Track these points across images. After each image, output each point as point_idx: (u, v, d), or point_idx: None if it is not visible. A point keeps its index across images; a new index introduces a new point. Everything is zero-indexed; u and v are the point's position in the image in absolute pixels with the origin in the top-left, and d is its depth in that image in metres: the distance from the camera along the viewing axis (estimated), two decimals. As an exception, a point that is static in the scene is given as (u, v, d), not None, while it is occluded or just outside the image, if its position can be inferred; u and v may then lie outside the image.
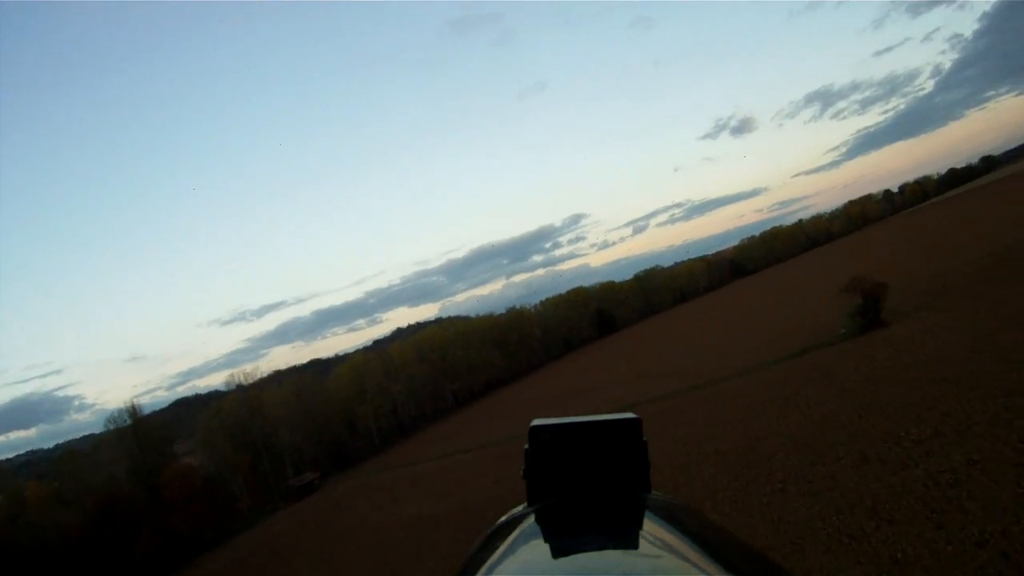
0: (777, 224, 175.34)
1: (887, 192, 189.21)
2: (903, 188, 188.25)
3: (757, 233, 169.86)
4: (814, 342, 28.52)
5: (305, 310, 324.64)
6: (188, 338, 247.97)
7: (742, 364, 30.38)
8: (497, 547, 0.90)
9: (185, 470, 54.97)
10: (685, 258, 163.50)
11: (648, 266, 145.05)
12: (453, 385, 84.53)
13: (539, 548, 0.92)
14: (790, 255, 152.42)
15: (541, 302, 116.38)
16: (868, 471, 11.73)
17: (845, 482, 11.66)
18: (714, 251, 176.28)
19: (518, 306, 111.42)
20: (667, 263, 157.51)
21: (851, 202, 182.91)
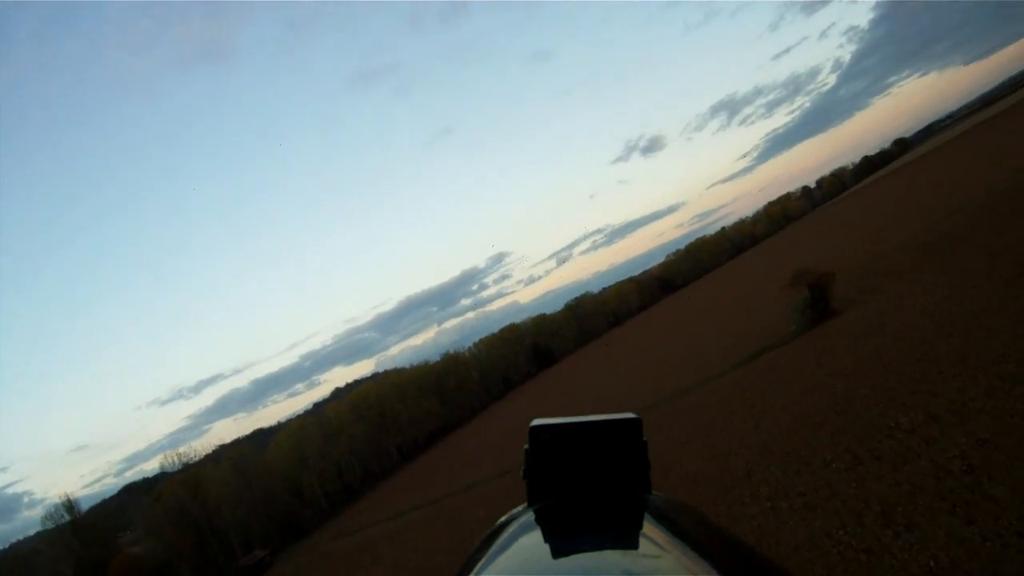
0: (699, 236, 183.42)
1: (805, 188, 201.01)
2: (820, 182, 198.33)
3: (681, 248, 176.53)
4: (765, 344, 28.02)
5: (243, 381, 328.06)
6: (129, 422, 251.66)
7: (694, 377, 29.71)
8: (497, 547, 0.93)
9: (131, 561, 54.78)
10: (613, 282, 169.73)
11: (577, 295, 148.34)
12: (396, 440, 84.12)
13: (539, 548, 0.94)
14: (718, 264, 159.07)
15: (475, 343, 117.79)
16: (865, 472, 10.57)
17: (842, 489, 10.45)
18: (641, 271, 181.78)
19: (452, 351, 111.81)
20: (596, 290, 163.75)
21: (771, 203, 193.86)
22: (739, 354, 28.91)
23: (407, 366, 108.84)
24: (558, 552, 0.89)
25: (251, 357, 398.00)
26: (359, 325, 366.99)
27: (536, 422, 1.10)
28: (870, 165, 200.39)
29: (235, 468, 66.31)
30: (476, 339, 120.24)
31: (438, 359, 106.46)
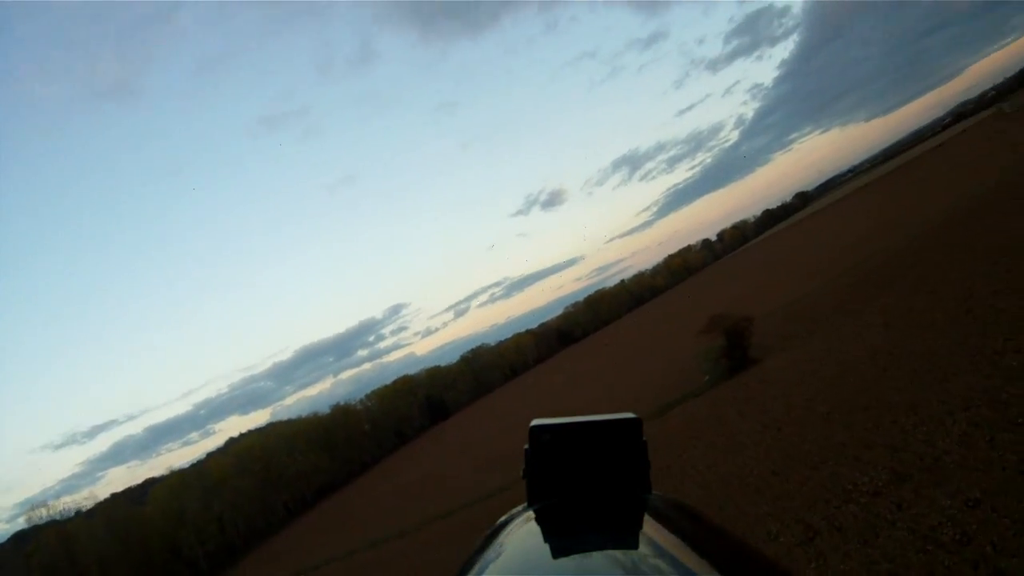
0: (598, 289, 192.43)
1: (706, 241, 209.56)
2: (721, 235, 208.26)
3: (580, 300, 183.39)
4: (675, 396, 27.02)
5: (137, 427, 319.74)
6: (22, 466, 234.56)
7: None
8: (497, 547, 0.96)
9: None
10: (511, 335, 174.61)
11: (474, 348, 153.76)
12: (282, 495, 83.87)
13: (539, 548, 0.97)
14: (617, 316, 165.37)
15: (367, 395, 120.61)
16: (825, 547, 8.86)
17: (799, 571, 8.62)
18: (539, 324, 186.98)
19: (343, 403, 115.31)
20: (493, 342, 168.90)
21: (671, 255, 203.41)
22: (647, 407, 27.64)
23: (302, 416, 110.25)
24: (558, 552, 0.91)
25: (146, 403, 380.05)
26: (255, 374, 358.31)
27: (536, 422, 1.15)
28: (772, 218, 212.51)
29: (108, 524, 64.73)
30: (372, 391, 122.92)
31: (328, 411, 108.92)
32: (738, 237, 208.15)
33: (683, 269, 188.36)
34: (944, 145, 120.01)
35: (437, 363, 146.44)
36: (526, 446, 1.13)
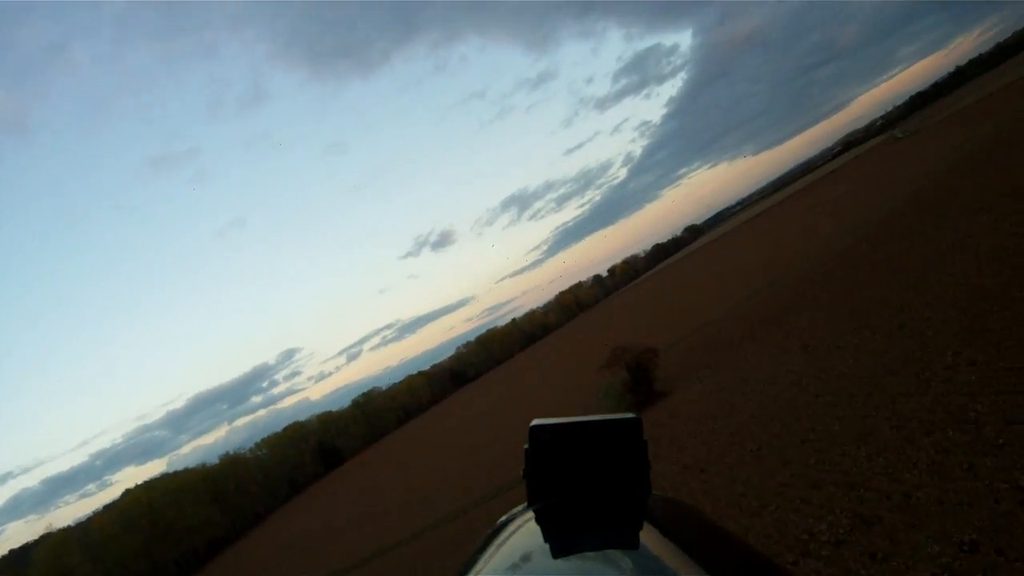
0: (490, 329, 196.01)
1: (597, 277, 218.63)
2: (612, 270, 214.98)
3: (472, 341, 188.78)
4: None
5: (32, 480, 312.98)
6: None
7: (495, 482, 26.87)
8: (497, 547, 1.00)
9: None
10: (404, 377, 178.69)
11: (366, 392, 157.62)
12: (172, 552, 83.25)
13: (538, 548, 0.98)
14: (510, 354, 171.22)
15: (257, 444, 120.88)
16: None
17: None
18: (433, 364, 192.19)
19: (232, 452, 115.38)
20: (386, 385, 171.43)
21: (562, 292, 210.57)
22: None
23: (196, 467, 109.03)
24: (558, 552, 0.94)
25: (41, 454, 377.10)
26: (149, 423, 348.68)
27: (536, 422, 1.16)
28: (662, 252, 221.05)
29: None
30: (262, 439, 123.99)
31: (217, 461, 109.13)
32: (629, 272, 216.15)
33: (575, 305, 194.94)
34: (837, 171, 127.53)
35: (332, 408, 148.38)
36: (526, 446, 1.13)
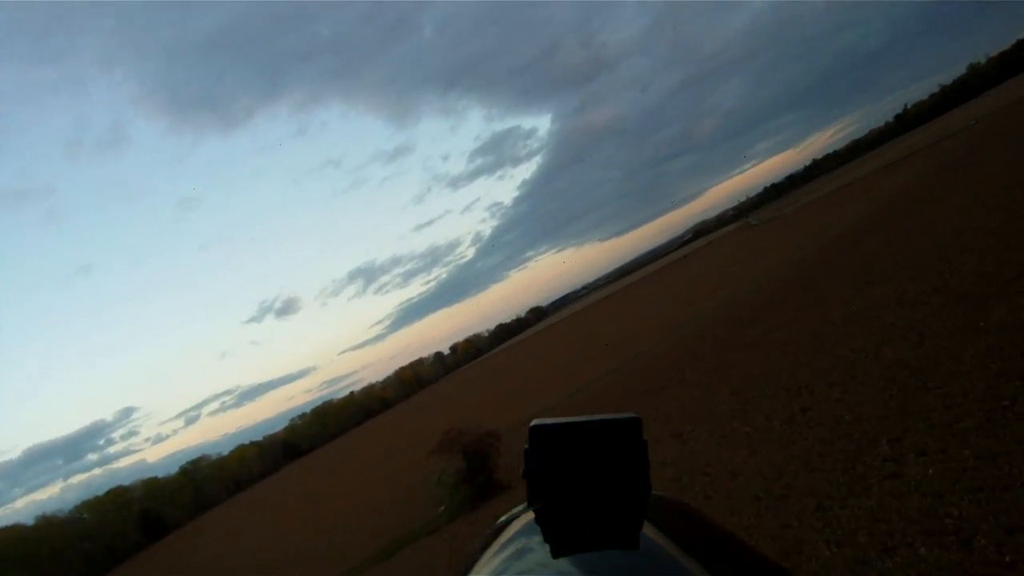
0: (328, 401, 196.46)
1: (438, 354, 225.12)
2: (455, 348, 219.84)
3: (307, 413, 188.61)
4: (402, 533, 22.91)
5: None
6: None
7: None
8: (497, 547, 0.99)
9: None
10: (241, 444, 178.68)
11: (194, 460, 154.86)
12: None
13: (539, 548, 0.96)
14: (344, 429, 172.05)
15: (76, 507, 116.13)
16: None
17: None
18: (266, 435, 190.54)
19: (48, 514, 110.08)
20: (225, 451, 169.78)
21: (402, 368, 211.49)
22: (370, 543, 23.57)
23: (34, 521, 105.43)
24: (558, 552, 0.92)
25: None
26: None
27: (536, 422, 1.10)
28: (506, 332, 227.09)
29: None
30: (83, 502, 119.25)
31: (33, 522, 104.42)
32: (471, 350, 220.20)
33: (414, 381, 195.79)
34: (691, 255, 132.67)
35: (167, 471, 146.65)
36: (526, 446, 1.08)
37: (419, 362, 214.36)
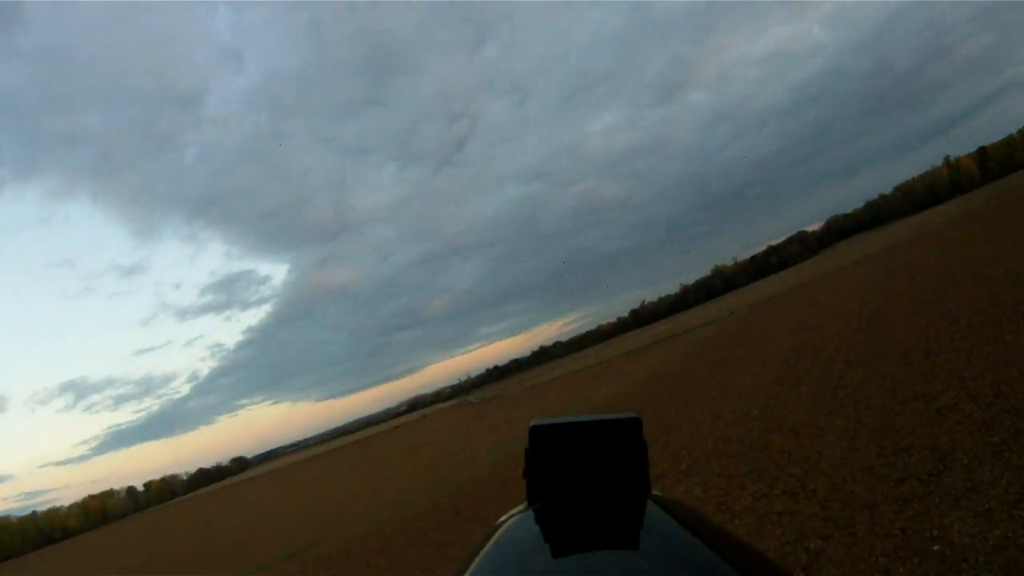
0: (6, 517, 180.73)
1: (131, 489, 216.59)
2: (148, 485, 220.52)
3: None
4: None
5: None
6: None
7: None
8: (495, 547, 1.00)
9: None
10: None
11: None
12: None
13: (538, 548, 1.00)
14: (23, 551, 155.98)
15: None
16: None
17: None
18: None
19: None
20: None
21: (91, 496, 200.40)
22: None
23: None
24: (557, 552, 0.95)
25: None
26: None
27: (536, 422, 1.18)
28: (206, 477, 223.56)
29: None
30: None
31: None
32: (166, 491, 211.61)
33: (100, 514, 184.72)
34: (402, 426, 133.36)
35: None
36: (526, 446, 1.16)
37: (109, 493, 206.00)
